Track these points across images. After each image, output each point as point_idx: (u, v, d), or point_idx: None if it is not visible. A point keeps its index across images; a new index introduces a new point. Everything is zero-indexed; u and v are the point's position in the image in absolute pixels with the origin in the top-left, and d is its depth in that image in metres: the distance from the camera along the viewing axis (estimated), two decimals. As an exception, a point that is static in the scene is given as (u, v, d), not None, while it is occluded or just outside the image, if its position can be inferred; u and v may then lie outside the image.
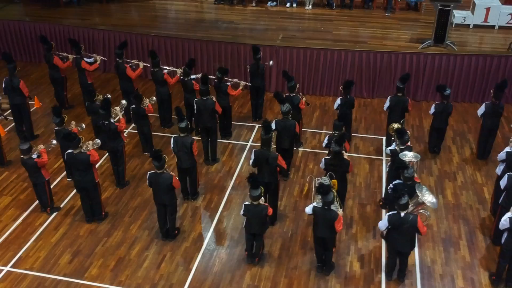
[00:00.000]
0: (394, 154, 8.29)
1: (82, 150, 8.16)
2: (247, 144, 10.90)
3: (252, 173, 7.37)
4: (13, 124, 11.25)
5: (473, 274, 7.59)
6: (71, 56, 11.63)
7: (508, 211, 7.15)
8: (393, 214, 6.92)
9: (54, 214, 8.99)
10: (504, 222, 6.86)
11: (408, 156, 7.73)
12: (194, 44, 13.15)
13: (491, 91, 9.67)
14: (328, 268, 7.64)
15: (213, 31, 13.88)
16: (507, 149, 8.16)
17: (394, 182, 7.54)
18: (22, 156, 8.43)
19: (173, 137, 8.72)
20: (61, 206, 9.20)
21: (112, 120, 9.10)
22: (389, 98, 9.90)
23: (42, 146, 8.68)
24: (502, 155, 8.15)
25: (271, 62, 11.90)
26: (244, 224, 7.60)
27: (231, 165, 10.25)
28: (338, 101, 10.05)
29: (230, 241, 8.33)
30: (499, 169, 8.31)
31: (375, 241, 8.25)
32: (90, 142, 8.40)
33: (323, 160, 8.10)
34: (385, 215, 7.19)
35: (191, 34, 13.51)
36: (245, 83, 10.87)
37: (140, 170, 10.13)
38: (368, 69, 12.42)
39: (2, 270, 7.86)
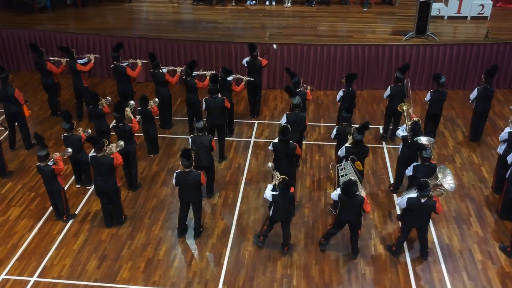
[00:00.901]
0: (405, 141, 8.72)
1: (105, 154, 8.11)
2: (250, 141, 11.08)
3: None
4: (6, 133, 10.94)
5: (489, 247, 8.13)
6: (63, 60, 11.44)
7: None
8: (413, 198, 7.31)
9: (71, 221, 8.87)
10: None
11: (423, 140, 8.17)
12: (184, 44, 13.20)
13: (482, 77, 10.30)
14: (355, 252, 7.97)
15: (199, 31, 13.96)
16: (508, 129, 8.76)
17: (413, 164, 7.96)
18: (38, 163, 8.28)
19: (191, 137, 8.81)
20: (76, 212, 9.08)
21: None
22: (389, 87, 10.34)
23: (58, 154, 8.54)
24: (504, 135, 8.73)
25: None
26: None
27: (239, 161, 10.40)
28: (341, 93, 10.40)
29: (254, 235, 8.50)
30: (500, 149, 8.89)
31: (393, 224, 8.65)
32: (114, 145, 8.35)
33: (343, 148, 8.40)
34: (403, 197, 7.55)
35: (179, 35, 13.55)
36: (247, 78, 11.02)
37: (149, 172, 10.13)
38: (356, 62, 12.87)
39: (29, 281, 7.71)
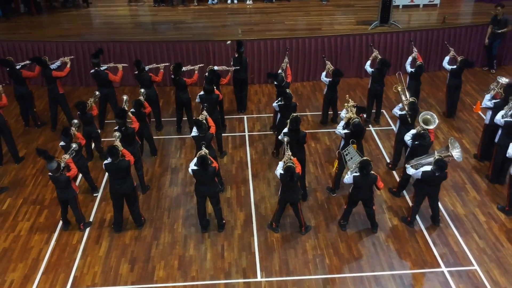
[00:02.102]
0: (404, 119, 9.40)
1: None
2: (245, 135, 11.35)
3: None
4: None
5: (488, 209, 8.99)
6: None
7: (506, 147, 8.63)
8: (428, 172, 7.95)
9: (88, 229, 8.73)
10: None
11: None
12: (160, 46, 13.22)
13: (456, 55, 11.31)
14: (375, 226, 8.52)
15: (170, 32, 14.03)
16: (488, 96, 9.72)
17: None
18: (52, 174, 8.07)
19: (193, 137, 8.95)
20: (91, 220, 8.94)
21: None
22: (371, 69, 11.02)
23: (66, 156, 8.36)
24: (487, 103, 9.65)
25: (228, 42, 12.59)
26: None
27: (240, 155, 10.65)
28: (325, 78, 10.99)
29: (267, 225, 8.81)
30: (487, 119, 9.77)
31: (400, 199, 9.29)
32: (117, 143, 8.25)
33: (342, 133, 8.92)
34: (419, 170, 8.18)
35: (151, 37, 13.55)
36: (233, 68, 11.28)
37: (154, 173, 10.13)
38: (329, 53, 13.48)
39: (64, 292, 7.57)
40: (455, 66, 11.20)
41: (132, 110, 9.93)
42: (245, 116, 12.08)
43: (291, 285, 7.59)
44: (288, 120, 8.74)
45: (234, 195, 9.51)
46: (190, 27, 14.32)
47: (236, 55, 11.58)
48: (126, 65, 11.55)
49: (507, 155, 8.55)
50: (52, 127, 11.59)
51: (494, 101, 9.66)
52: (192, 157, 10.27)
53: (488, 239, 8.35)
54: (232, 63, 11.67)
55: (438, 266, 7.85)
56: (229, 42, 12.74)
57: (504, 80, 9.95)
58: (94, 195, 9.51)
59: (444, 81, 12.50)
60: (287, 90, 9.91)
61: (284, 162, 8.10)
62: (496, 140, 9.28)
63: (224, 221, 8.70)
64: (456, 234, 8.46)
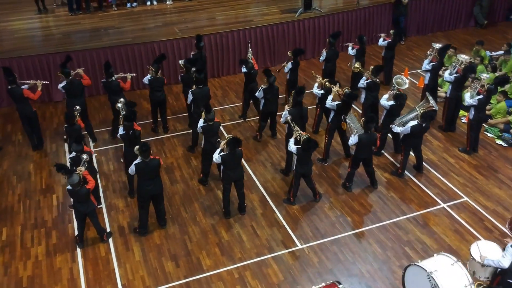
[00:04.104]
0: (369, 87, 10.62)
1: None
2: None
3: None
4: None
5: (453, 152, 10.61)
6: None
7: (455, 99, 10.36)
8: (416, 125, 9.21)
9: (110, 239, 8.54)
10: (472, 101, 9.91)
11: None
12: (104, 52, 12.89)
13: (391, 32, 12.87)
14: (375, 182, 9.63)
15: (104, 38, 13.66)
16: (427, 61, 11.33)
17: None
18: (72, 188, 7.79)
19: (202, 127, 9.19)
20: (108, 230, 8.73)
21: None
22: (325, 51, 12.12)
23: (82, 168, 8.10)
24: (427, 67, 11.28)
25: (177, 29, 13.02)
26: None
27: (224, 145, 11.02)
28: (289, 65, 11.84)
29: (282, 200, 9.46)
30: (448, 93, 11.21)
31: (383, 158, 10.52)
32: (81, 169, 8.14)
33: (334, 104, 9.84)
34: (407, 126, 9.42)
35: (90, 45, 13.10)
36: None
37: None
38: (267, 42, 14.33)
39: (119, 301, 7.44)
40: (390, 40, 12.75)
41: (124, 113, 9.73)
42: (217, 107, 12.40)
43: (330, 245, 8.35)
44: (293, 93, 9.45)
45: (238, 181, 9.91)
46: (124, 31, 14.09)
47: (196, 51, 11.84)
48: (45, 82, 11.21)
49: (465, 104, 10.16)
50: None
51: (454, 76, 10.90)
52: (178, 155, 10.51)
53: (463, 175, 9.93)
54: (192, 57, 11.88)
55: (438, 204, 9.20)
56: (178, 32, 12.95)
57: (437, 45, 11.71)
58: (99, 207, 9.23)
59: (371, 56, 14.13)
60: (273, 76, 10.52)
61: (296, 138, 8.78)
62: (447, 94, 10.94)
63: (246, 204, 9.10)
64: (438, 176, 9.92)
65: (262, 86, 10.52)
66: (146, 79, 10.87)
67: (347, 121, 9.60)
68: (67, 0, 15.48)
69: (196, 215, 9.05)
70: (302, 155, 8.66)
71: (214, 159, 8.51)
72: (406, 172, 9.99)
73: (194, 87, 10.25)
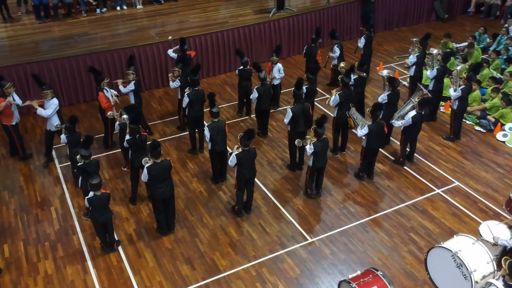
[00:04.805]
0: (358, 82, 10.98)
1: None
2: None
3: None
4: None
5: (438, 141, 11.14)
6: None
7: (437, 91, 10.94)
8: (416, 115, 9.62)
9: (120, 247, 8.43)
10: (457, 93, 10.45)
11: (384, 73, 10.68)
12: (83, 60, 12.63)
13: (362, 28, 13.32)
14: (372, 173, 9.97)
15: (80, 45, 13.36)
16: (412, 57, 11.84)
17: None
18: (94, 193, 7.68)
19: (207, 125, 9.24)
20: (117, 238, 8.62)
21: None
22: (305, 47, 12.41)
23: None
24: (412, 59, 11.78)
25: (170, 37, 12.94)
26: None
27: (218, 146, 11.07)
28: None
29: (291, 192, 9.64)
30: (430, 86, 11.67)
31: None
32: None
33: (336, 96, 10.12)
34: (407, 118, 9.78)
35: (63, 53, 12.76)
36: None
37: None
38: (245, 42, 14.46)
39: (142, 307, 7.38)
40: (366, 35, 13.20)
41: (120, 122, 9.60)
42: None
43: (340, 236, 8.60)
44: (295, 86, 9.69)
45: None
46: (99, 37, 13.83)
47: (180, 54, 11.82)
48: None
49: (452, 98, 10.65)
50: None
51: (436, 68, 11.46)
52: (173, 159, 10.49)
53: (451, 161, 10.46)
54: (176, 61, 11.85)
55: (433, 190, 9.65)
56: (170, 37, 12.89)
57: (415, 39, 12.28)
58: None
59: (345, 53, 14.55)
60: (263, 72, 10.72)
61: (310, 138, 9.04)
62: (430, 87, 11.45)
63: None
64: (429, 164, 10.39)
65: (255, 87, 10.66)
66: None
67: (352, 114, 9.89)
68: (33, 8, 15.04)
69: (203, 217, 9.07)
70: (320, 152, 8.90)
71: (229, 163, 8.52)
72: (396, 163, 10.41)
73: (187, 89, 10.23)
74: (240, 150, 8.50)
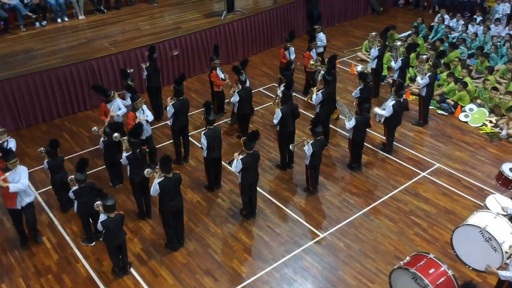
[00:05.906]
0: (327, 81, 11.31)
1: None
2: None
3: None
4: None
5: (409, 127, 11.76)
6: None
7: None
8: (395, 103, 10.12)
9: (132, 268, 8.07)
10: (425, 81, 11.11)
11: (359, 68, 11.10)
12: (36, 77, 11.83)
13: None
14: (360, 165, 10.34)
15: (29, 62, 12.45)
16: (373, 50, 12.41)
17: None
18: (108, 216, 7.27)
19: (204, 133, 9.07)
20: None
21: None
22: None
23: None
24: (374, 53, 12.36)
25: (175, 52, 12.79)
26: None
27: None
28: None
29: (288, 191, 9.75)
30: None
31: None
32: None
33: (319, 93, 10.34)
34: (388, 108, 10.25)
35: (8, 73, 11.85)
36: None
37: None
38: (202, 47, 14.31)
39: (176, 327, 7.12)
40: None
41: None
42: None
43: (348, 228, 8.84)
44: (284, 86, 9.83)
45: (232, 186, 9.91)
46: (47, 52, 12.97)
47: (149, 63, 11.48)
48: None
49: (421, 87, 11.29)
50: None
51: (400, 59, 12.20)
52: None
53: (427, 145, 11.12)
54: (145, 71, 11.49)
55: (418, 173, 10.21)
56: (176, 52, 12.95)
57: (373, 33, 12.91)
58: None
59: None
60: (244, 75, 10.71)
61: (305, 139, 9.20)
62: (395, 77, 12.07)
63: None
64: (407, 149, 10.96)
65: (236, 90, 10.60)
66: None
67: (339, 106, 10.15)
68: (-36, 25, 13.82)
69: (209, 227, 8.91)
70: (318, 152, 9.07)
71: (233, 168, 8.42)
72: (379, 151, 10.86)
73: (170, 100, 9.96)
74: (243, 154, 8.45)
